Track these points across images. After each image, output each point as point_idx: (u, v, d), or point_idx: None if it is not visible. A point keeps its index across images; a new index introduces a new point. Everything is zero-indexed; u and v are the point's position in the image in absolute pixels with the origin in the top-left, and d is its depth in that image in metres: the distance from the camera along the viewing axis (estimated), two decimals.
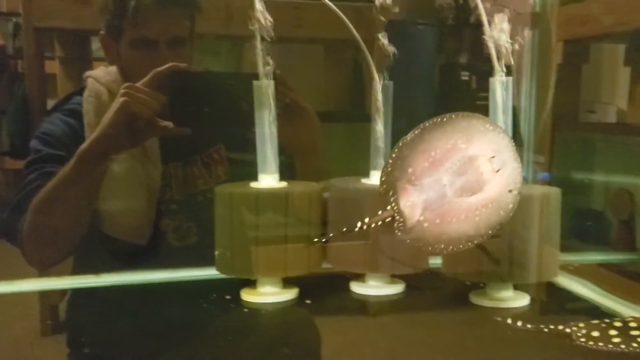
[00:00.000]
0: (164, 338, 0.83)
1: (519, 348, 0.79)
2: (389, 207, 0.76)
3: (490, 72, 0.89)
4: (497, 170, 0.76)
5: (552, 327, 0.79)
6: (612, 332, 0.78)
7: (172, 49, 1.12)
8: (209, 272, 0.98)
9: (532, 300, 0.94)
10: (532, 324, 0.80)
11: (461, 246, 0.74)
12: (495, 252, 0.87)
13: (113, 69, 1.17)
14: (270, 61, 0.93)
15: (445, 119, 0.80)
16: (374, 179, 0.99)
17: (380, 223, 0.76)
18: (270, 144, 0.95)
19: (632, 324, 0.80)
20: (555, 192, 0.91)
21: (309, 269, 0.96)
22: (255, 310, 0.92)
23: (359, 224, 0.76)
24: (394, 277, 1.01)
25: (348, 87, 1.96)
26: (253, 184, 0.96)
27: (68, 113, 1.14)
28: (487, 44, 0.89)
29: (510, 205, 0.75)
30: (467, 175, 0.76)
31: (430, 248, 0.74)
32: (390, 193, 0.77)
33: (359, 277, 1.01)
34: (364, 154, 0.99)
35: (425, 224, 0.75)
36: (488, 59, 0.89)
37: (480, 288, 0.95)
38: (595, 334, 0.77)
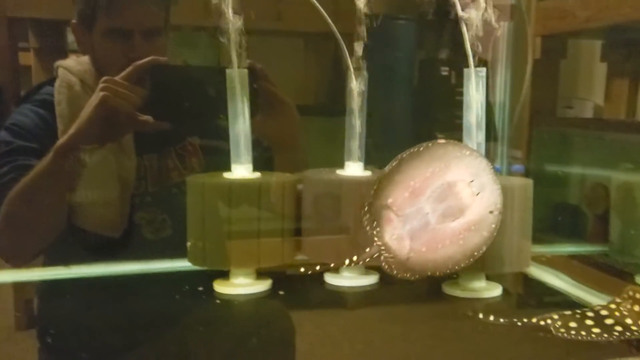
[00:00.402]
0: (134, 330, 0.82)
1: (496, 341, 0.79)
2: (375, 242, 0.76)
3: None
4: (477, 194, 0.77)
5: (525, 320, 0.79)
6: (589, 322, 0.78)
7: (147, 39, 1.11)
8: (182, 264, 0.97)
9: (505, 290, 0.94)
10: (505, 318, 0.80)
11: (448, 270, 0.74)
12: None
13: (85, 59, 1.15)
14: (243, 52, 0.92)
15: (421, 149, 0.81)
16: (349, 170, 0.99)
17: (368, 260, 0.76)
18: (243, 134, 0.94)
19: (603, 312, 0.80)
20: (527, 183, 0.92)
21: (283, 260, 0.95)
22: (228, 302, 0.91)
23: (347, 261, 0.76)
24: (368, 269, 1.01)
25: (328, 81, 1.96)
26: (226, 175, 0.95)
27: (39, 104, 1.12)
28: (462, 33, 0.89)
29: (493, 226, 0.77)
30: (448, 201, 0.78)
31: (417, 276, 0.74)
32: (375, 226, 0.77)
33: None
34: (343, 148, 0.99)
35: (412, 254, 0.75)
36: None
37: (453, 278, 0.96)
38: (573, 324, 0.77)
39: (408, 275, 0.74)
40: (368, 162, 1.00)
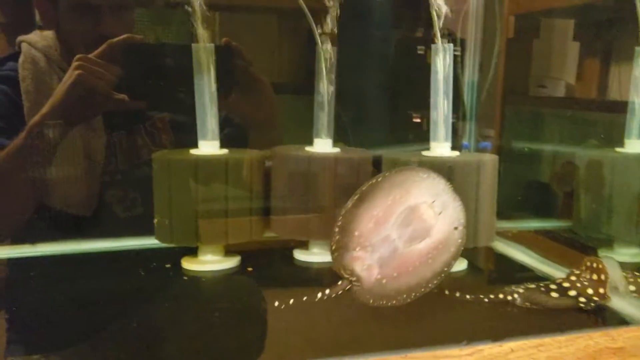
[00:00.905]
0: (99, 307, 0.81)
1: (463, 317, 0.80)
2: (346, 276, 0.77)
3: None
4: (440, 213, 0.79)
5: (492, 296, 0.81)
6: (554, 295, 0.81)
7: (115, 14, 1.09)
8: (151, 242, 0.97)
9: (470, 265, 0.95)
10: (471, 294, 0.82)
11: (423, 290, 0.76)
12: None
13: (49, 33, 1.12)
14: (217, 29, 0.91)
15: (380, 179, 0.83)
16: (318, 146, 0.99)
17: (340, 293, 0.77)
18: (210, 110, 0.93)
19: (566, 284, 0.82)
20: (492, 158, 0.92)
21: (251, 237, 0.95)
22: (196, 279, 0.91)
23: (319, 295, 0.76)
24: None
25: (303, 58, 1.95)
26: (193, 151, 0.94)
27: (1, 80, 1.10)
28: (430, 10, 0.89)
29: (459, 241, 0.78)
30: (413, 225, 0.79)
31: (394, 301, 0.75)
32: (344, 261, 0.78)
33: (303, 245, 1.01)
34: None
35: (384, 281, 0.76)
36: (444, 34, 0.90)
37: None
38: (538, 297, 0.80)
39: (384, 302, 0.75)
40: (345, 140, 1.00)
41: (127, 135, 1.18)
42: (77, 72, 0.97)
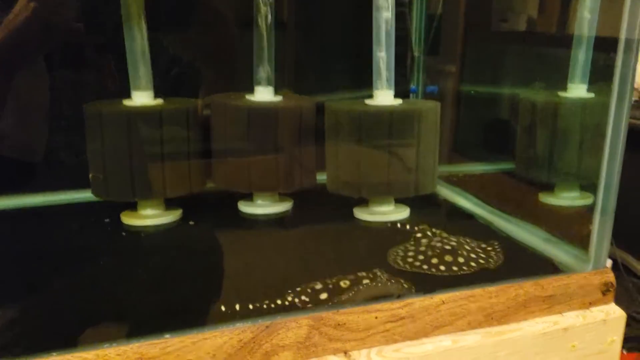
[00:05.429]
0: (35, 263, 0.79)
1: None
2: None
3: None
4: None
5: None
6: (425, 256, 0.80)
7: None
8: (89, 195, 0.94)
9: (413, 212, 0.95)
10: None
11: None
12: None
13: None
14: None
15: None
16: (258, 95, 0.96)
17: None
18: (141, 59, 0.88)
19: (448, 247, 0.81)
20: (434, 106, 0.90)
21: (190, 189, 0.93)
22: (135, 233, 0.90)
23: None
24: (282, 195, 1.00)
25: None
26: (126, 102, 0.90)
27: None
28: None
29: None
30: None
31: None
32: None
33: (246, 196, 1.00)
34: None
35: None
36: None
37: (364, 203, 0.96)
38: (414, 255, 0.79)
39: None
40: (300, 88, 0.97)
41: (72, 79, 1.13)
42: (32, 5, 0.91)
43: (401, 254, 0.79)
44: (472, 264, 0.77)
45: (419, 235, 0.86)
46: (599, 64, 1.04)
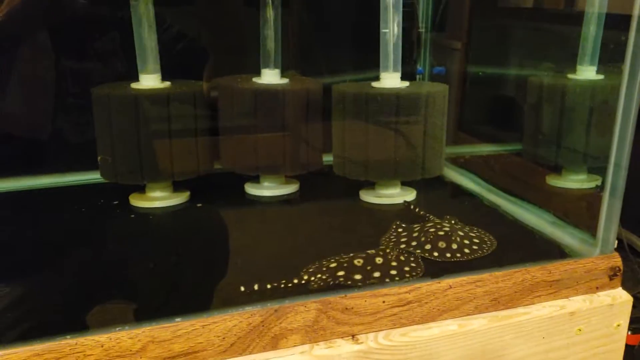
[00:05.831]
0: (45, 245, 0.80)
1: None
2: None
3: None
4: None
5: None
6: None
7: None
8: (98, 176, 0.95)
9: (419, 195, 0.95)
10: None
11: None
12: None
13: None
14: None
15: None
16: (265, 78, 0.95)
17: None
18: (149, 41, 0.88)
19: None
20: (442, 89, 0.90)
21: (198, 171, 0.94)
22: (143, 215, 0.90)
23: None
24: (288, 178, 1.01)
25: None
26: (133, 85, 0.90)
27: None
28: None
29: None
30: None
31: None
32: None
33: (253, 179, 1.00)
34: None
35: None
36: None
37: (370, 185, 0.96)
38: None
39: None
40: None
41: (77, 58, 1.12)
42: None
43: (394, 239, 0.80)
44: (466, 250, 0.77)
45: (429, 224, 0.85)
46: (609, 44, 1.03)
